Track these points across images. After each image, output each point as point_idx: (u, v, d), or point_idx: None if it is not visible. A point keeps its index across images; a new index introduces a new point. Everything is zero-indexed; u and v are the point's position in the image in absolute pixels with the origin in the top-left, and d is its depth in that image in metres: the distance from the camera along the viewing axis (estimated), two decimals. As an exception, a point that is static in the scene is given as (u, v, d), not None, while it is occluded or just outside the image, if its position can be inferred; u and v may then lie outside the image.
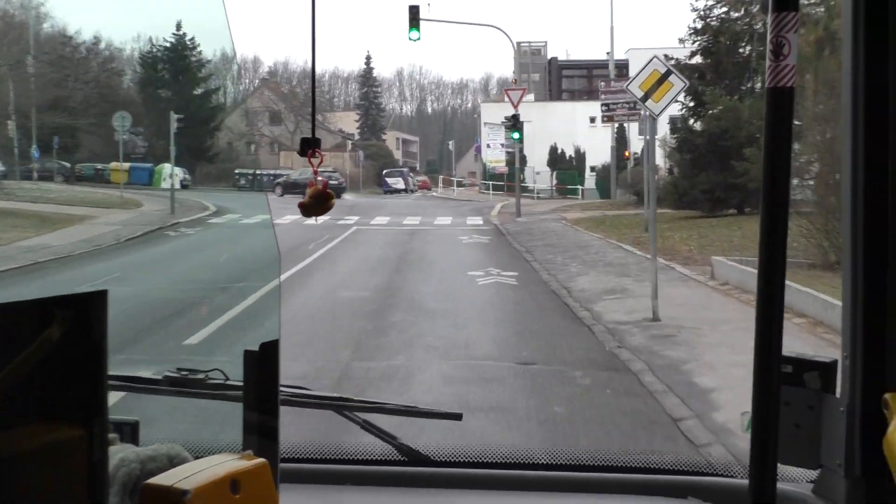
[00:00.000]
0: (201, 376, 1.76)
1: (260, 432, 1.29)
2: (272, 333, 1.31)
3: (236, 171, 59.86)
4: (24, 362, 0.95)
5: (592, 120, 63.01)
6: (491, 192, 54.51)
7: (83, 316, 1.01)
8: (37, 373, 0.97)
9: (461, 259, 19.27)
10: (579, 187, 56.80)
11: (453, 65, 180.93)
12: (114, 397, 1.13)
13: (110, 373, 1.07)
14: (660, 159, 52.37)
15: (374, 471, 1.97)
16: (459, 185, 64.01)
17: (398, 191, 67.85)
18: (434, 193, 61.40)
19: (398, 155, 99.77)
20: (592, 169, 59.58)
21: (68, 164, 51.24)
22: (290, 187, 47.39)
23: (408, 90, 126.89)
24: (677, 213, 27.82)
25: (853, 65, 1.40)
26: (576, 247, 21.27)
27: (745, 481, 1.61)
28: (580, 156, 59.29)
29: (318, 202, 1.40)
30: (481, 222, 30.89)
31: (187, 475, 1.03)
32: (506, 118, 32.76)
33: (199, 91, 63.10)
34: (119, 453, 1.20)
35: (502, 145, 59.75)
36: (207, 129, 65.40)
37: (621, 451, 2.12)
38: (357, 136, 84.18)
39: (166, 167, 54.42)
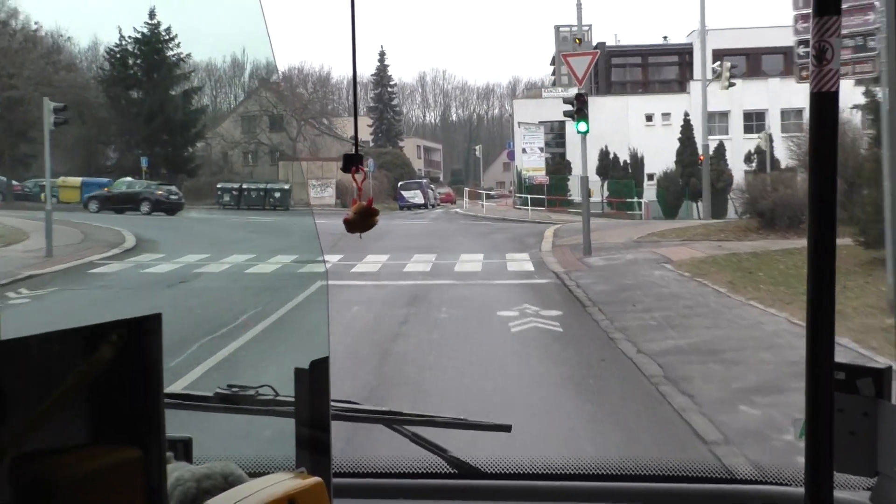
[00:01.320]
0: (252, 392, 1.77)
1: (312, 448, 1.33)
2: (321, 350, 1.35)
3: (218, 186, 49.65)
4: (77, 384, 0.96)
5: (649, 118, 51.98)
6: (529, 207, 43.56)
7: (139, 339, 1.02)
8: (93, 395, 0.98)
9: (523, 411, 7.36)
10: (637, 200, 45.87)
11: (479, 69, 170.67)
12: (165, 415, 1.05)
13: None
14: (784, 159, 40.58)
15: (425, 484, 1.98)
16: (489, 197, 53.02)
17: (416, 206, 57.30)
18: (458, 210, 50.38)
19: (419, 164, 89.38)
20: (650, 177, 48.70)
21: (4, 179, 41.07)
22: (114, 201, 38.01)
23: (431, 96, 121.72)
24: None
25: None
26: (765, 348, 9.94)
27: (801, 489, 1.55)
28: (637, 161, 48.33)
29: (362, 217, 1.41)
30: (531, 267, 19.45)
31: (246, 496, 1.04)
32: (566, 102, 21.58)
33: (176, 91, 52.95)
34: (174, 472, 1.22)
35: (541, 149, 48.83)
36: (188, 136, 55.46)
37: (673, 460, 2.04)
38: (371, 144, 73.67)
39: (124, 181, 44.40)
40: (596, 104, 53.14)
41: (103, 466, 0.98)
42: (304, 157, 65.74)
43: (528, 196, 44.71)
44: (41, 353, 0.94)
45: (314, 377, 1.33)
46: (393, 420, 1.96)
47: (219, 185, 50.18)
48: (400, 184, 58.21)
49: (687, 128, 46.52)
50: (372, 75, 75.95)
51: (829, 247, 1.27)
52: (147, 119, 50.80)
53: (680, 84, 53.90)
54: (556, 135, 52.05)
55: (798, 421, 1.42)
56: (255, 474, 1.19)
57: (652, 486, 1.94)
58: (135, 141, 49.49)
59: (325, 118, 69.18)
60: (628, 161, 48.31)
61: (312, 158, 64.32)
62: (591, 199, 43.90)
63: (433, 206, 61.72)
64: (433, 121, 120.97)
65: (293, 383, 1.37)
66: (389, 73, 76.01)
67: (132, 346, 1.01)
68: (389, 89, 76.60)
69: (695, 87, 49.57)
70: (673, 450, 6.62)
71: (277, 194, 49.40)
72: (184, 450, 1.54)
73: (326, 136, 68.87)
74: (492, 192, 64.90)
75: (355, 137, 1.52)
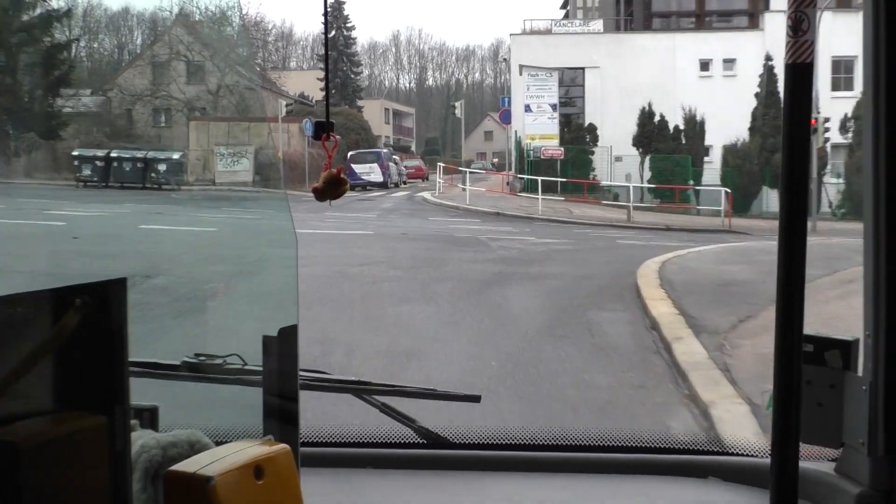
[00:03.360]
0: (219, 361, 1.74)
1: (280, 417, 1.31)
2: (290, 318, 1.33)
3: (75, 153, 33.97)
4: (43, 350, 0.97)
5: (704, 65, 36.34)
6: (540, 196, 27.68)
7: (103, 303, 1.01)
8: (58, 361, 0.99)
9: None
10: (693, 187, 30.63)
11: (458, 28, 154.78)
12: (131, 383, 1.11)
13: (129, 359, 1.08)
14: None
15: (393, 454, 1.98)
16: (473, 175, 36.95)
17: (372, 184, 41.59)
18: (428, 196, 34.23)
19: (386, 130, 73.40)
20: (706, 152, 33.44)
21: None
22: None
23: (405, 56, 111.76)
24: None
25: (874, 48, 1.39)
26: None
27: (767, 460, 1.60)
28: (694, 127, 32.78)
29: (331, 186, 1.42)
30: None
31: (211, 461, 1.03)
32: None
33: (24, 18, 36.98)
34: (139, 439, 1.21)
35: (553, 108, 33.00)
36: (46, 81, 39.83)
37: (639, 431, 2.05)
38: (315, 101, 57.73)
39: None
40: (625, 45, 37.85)
41: (68, 432, 0.98)
42: (230, 117, 49.52)
43: (537, 178, 28.74)
44: (4, 315, 0.93)
45: (282, 345, 1.31)
46: (362, 390, 1.96)
47: (76, 152, 34.12)
48: (350, 154, 42.44)
49: (770, 80, 30.99)
50: (323, 16, 59.64)
51: (801, 219, 1.30)
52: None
53: (751, 17, 38.03)
54: (569, 87, 36.23)
55: (766, 392, 1.46)
56: (221, 443, 1.16)
57: (615, 456, 1.94)
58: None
59: (259, 67, 52.99)
60: (681, 127, 32.70)
61: (238, 119, 48.40)
62: (631, 184, 28.73)
63: (397, 184, 45.84)
64: (407, 85, 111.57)
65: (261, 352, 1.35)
66: (346, 14, 59.42)
67: (97, 310, 1.00)
68: (346, 32, 60.06)
69: (772, 21, 33.98)
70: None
71: (162, 166, 33.58)
72: (150, 418, 1.47)
73: (260, 92, 52.65)
74: (478, 168, 49.05)
75: (326, 101, 1.50)
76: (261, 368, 1.35)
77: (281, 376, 1.32)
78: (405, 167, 51.53)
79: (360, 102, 60.47)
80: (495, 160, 79.16)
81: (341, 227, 19.98)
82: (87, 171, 33.55)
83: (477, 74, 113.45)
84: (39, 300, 0.97)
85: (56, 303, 0.97)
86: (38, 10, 36.15)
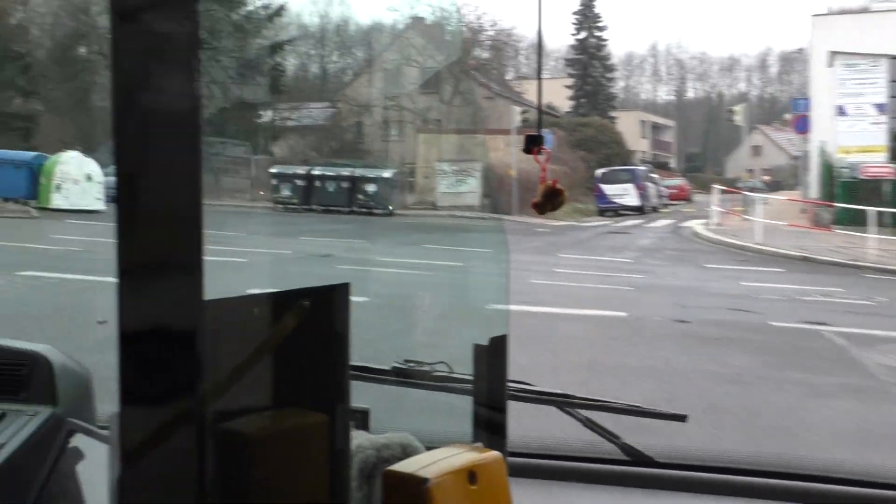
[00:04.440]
0: (427, 368, 1.80)
1: (488, 425, 1.34)
2: (500, 328, 1.34)
3: (273, 171, 28.20)
4: (268, 346, 1.01)
5: None
6: (870, 234, 18.98)
7: (328, 306, 1.06)
8: (285, 359, 1.03)
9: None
10: None
11: (720, 39, 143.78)
12: None
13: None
14: None
15: (598, 469, 1.96)
16: (752, 194, 28.15)
17: (625, 210, 34.19)
18: (702, 228, 25.69)
19: (643, 145, 65.29)
20: None
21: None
22: None
23: (663, 67, 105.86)
24: None
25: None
26: None
27: None
28: None
29: (548, 199, 1.43)
30: None
31: (427, 464, 1.06)
32: None
33: (239, 22, 31.50)
34: (354, 440, 1.24)
35: (880, 108, 24.08)
36: (263, 83, 34.66)
37: (860, 462, 2.00)
38: (563, 112, 50.82)
39: (70, 159, 24.40)
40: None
41: (292, 427, 1.03)
42: (463, 129, 43.64)
43: (865, 208, 20.03)
44: (240, 313, 0.99)
45: (492, 355, 1.34)
46: (566, 403, 1.95)
47: (274, 170, 28.99)
48: (599, 172, 35.16)
49: None
50: (574, 13, 52.00)
51: None
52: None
53: None
54: (896, 84, 26.88)
55: None
56: (428, 447, 1.20)
57: (829, 487, 1.85)
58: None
59: (495, 83, 46.93)
60: None
61: (471, 131, 42.41)
62: None
63: (655, 208, 37.91)
64: (665, 97, 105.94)
65: (466, 360, 1.38)
66: (597, 12, 51.71)
67: (323, 313, 1.05)
68: (597, 33, 52.31)
69: None
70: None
71: (371, 187, 27.76)
72: (362, 420, 1.53)
73: (500, 101, 46.47)
74: (754, 187, 40.08)
75: (538, 111, 1.47)
76: (468, 376, 1.40)
77: (490, 385, 1.34)
78: (665, 187, 43.39)
79: (612, 113, 52.85)
80: (765, 177, 68.75)
81: (572, 286, 12.78)
82: (285, 192, 28.34)
83: (742, 85, 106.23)
84: (271, 301, 1.01)
85: (285, 304, 1.01)
86: (248, 11, 31.88)
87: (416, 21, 47.57)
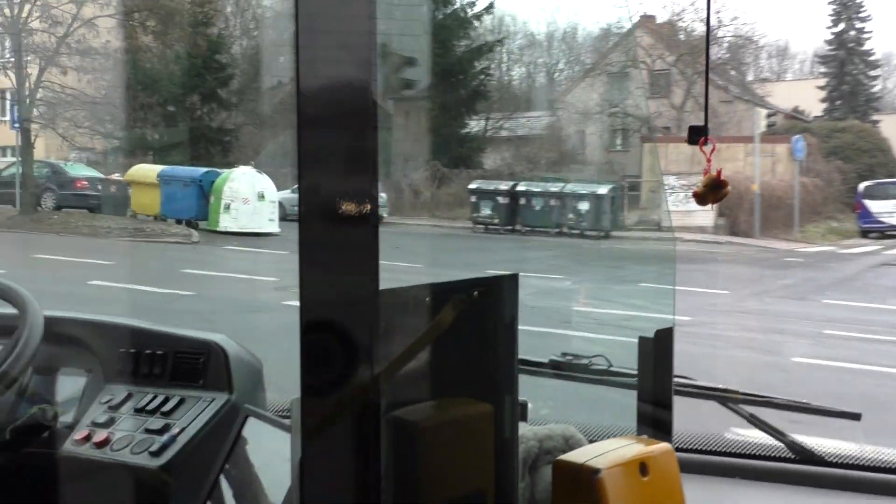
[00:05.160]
0: (585, 362, 1.76)
1: (654, 419, 1.30)
2: (665, 321, 1.29)
3: (472, 187, 24.41)
4: (433, 336, 1.01)
5: None
6: None
7: (497, 297, 1.06)
8: (452, 349, 1.03)
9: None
10: None
11: None
12: None
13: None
14: None
15: (763, 466, 1.90)
16: None
17: (895, 231, 28.36)
18: None
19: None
20: None
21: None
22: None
23: None
24: None
25: None
26: None
27: None
28: None
29: (711, 190, 1.40)
30: None
31: (597, 454, 1.05)
32: None
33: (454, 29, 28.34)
34: (517, 430, 1.25)
35: None
36: (459, 94, 31.35)
37: None
38: (813, 115, 44.43)
39: (242, 175, 21.94)
40: None
41: (460, 416, 1.03)
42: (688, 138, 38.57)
43: None
44: (413, 303, 1.00)
45: (658, 348, 1.30)
46: (728, 398, 1.89)
47: (473, 185, 25.54)
48: (863, 186, 29.45)
49: None
50: (830, 2, 45.32)
51: None
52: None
53: None
54: None
55: None
56: (595, 440, 1.17)
57: None
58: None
59: (734, 85, 41.64)
60: None
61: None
62: None
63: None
64: None
65: (628, 355, 1.35)
66: (859, 1, 44.97)
67: (492, 304, 1.04)
68: (858, 24, 45.43)
69: None
70: None
71: (583, 205, 23.74)
72: (521, 411, 1.51)
73: (740, 104, 41.11)
74: None
75: (705, 101, 1.48)
76: (627, 371, 1.37)
77: (655, 380, 1.30)
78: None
79: (875, 116, 45.89)
80: None
81: (864, 373, 8.38)
82: (486, 210, 24.94)
83: None
84: (441, 291, 1.01)
85: (455, 294, 1.00)
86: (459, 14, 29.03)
87: (645, 19, 43.11)
